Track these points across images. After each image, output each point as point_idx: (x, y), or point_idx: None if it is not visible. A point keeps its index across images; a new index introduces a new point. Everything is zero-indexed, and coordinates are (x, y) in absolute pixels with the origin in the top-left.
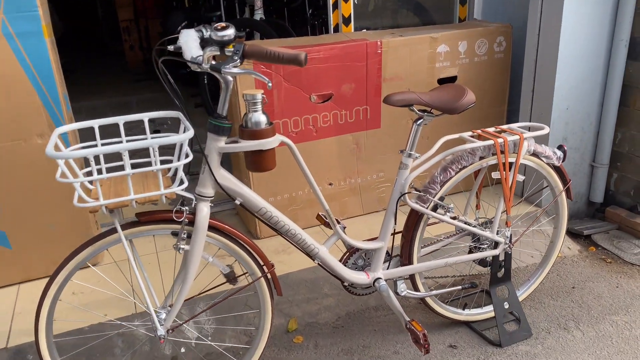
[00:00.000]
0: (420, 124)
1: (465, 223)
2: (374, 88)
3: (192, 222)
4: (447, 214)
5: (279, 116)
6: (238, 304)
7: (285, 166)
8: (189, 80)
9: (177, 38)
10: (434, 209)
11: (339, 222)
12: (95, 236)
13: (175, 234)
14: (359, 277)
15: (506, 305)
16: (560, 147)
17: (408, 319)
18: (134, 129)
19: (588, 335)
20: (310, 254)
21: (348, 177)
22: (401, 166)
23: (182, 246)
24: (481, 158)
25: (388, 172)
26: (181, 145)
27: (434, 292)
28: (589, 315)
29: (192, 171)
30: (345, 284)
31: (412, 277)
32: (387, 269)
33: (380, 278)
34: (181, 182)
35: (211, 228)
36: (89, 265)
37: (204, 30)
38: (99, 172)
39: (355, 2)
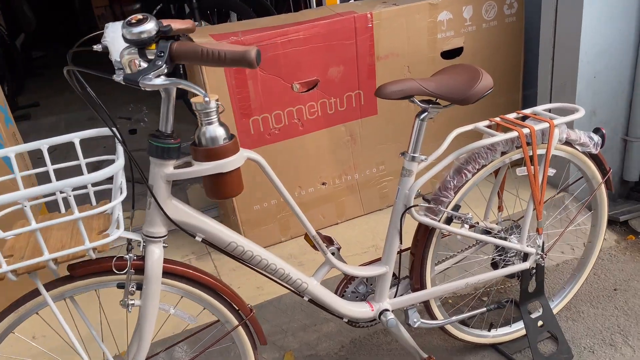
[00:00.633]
0: (425, 118)
1: (487, 232)
2: (367, 69)
3: (142, 270)
4: (465, 225)
5: (257, 112)
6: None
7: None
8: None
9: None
10: (448, 220)
11: (332, 242)
12: (18, 299)
13: (121, 286)
14: (361, 311)
15: (540, 323)
16: (597, 131)
17: (425, 355)
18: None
19: None
20: (297, 291)
21: (344, 174)
22: (403, 172)
23: (130, 302)
24: (503, 153)
25: (390, 164)
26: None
27: (454, 318)
28: (638, 325)
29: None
30: (345, 320)
31: (426, 303)
32: (395, 296)
33: (387, 310)
34: (123, 226)
35: (168, 274)
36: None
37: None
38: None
39: None
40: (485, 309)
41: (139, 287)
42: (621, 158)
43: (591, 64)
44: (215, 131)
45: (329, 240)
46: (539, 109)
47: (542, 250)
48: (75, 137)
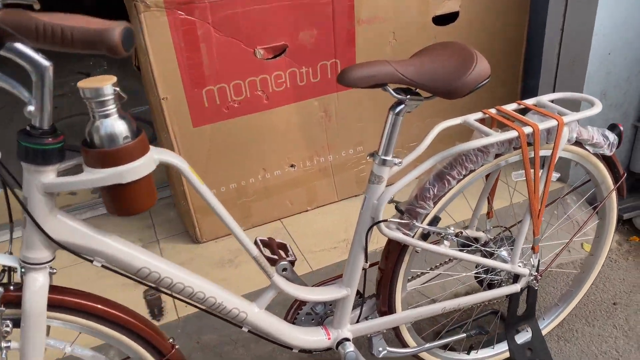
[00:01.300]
0: (401, 112)
1: (471, 241)
2: (345, 34)
3: (17, 303)
4: (445, 241)
5: (212, 81)
6: None
7: (228, 147)
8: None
9: None
10: (425, 235)
11: (286, 252)
12: None
13: None
14: (314, 340)
15: (528, 354)
16: (613, 128)
17: None
18: None
19: None
20: (234, 322)
21: (316, 155)
22: (372, 178)
23: (5, 344)
24: (497, 155)
25: (369, 144)
26: None
27: (428, 346)
28: None
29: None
30: (296, 350)
31: (395, 328)
32: (358, 319)
33: (346, 340)
34: None
35: (55, 307)
36: None
37: None
38: None
39: None
40: (464, 334)
41: (18, 324)
42: (629, 147)
43: (607, 37)
44: (113, 127)
45: (282, 248)
46: (544, 98)
47: (537, 271)
48: None
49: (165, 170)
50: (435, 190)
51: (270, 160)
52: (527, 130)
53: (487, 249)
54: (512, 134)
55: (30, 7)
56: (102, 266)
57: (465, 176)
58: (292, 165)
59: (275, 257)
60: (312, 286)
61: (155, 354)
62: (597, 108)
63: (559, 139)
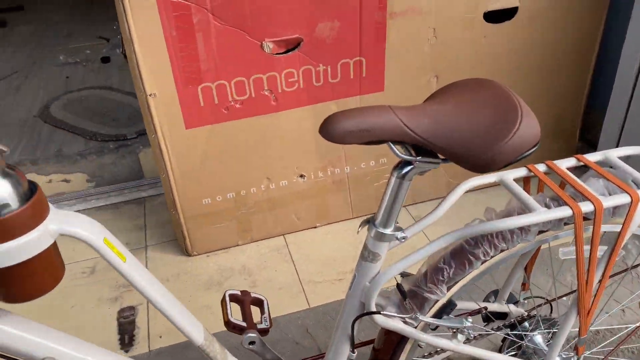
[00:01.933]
0: (408, 175)
1: (498, 316)
2: (374, 28)
3: None
4: (460, 335)
5: (209, 77)
6: None
7: (227, 152)
8: None
9: None
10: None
11: (252, 323)
12: None
13: None
14: None
15: None
16: None
17: None
18: None
19: None
20: None
21: (330, 166)
22: (365, 253)
23: None
24: (541, 232)
25: (392, 156)
26: None
27: None
28: None
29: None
30: None
31: None
32: None
33: None
34: None
35: None
36: None
37: None
38: None
39: None
40: None
41: None
42: None
43: None
44: (4, 186)
45: (258, 305)
46: (613, 154)
47: None
48: None
49: (155, 164)
50: (452, 273)
51: (276, 169)
52: (587, 208)
53: (516, 333)
54: (565, 212)
55: None
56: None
57: (493, 256)
58: (301, 176)
59: (244, 324)
60: None
61: None
62: None
63: (631, 219)
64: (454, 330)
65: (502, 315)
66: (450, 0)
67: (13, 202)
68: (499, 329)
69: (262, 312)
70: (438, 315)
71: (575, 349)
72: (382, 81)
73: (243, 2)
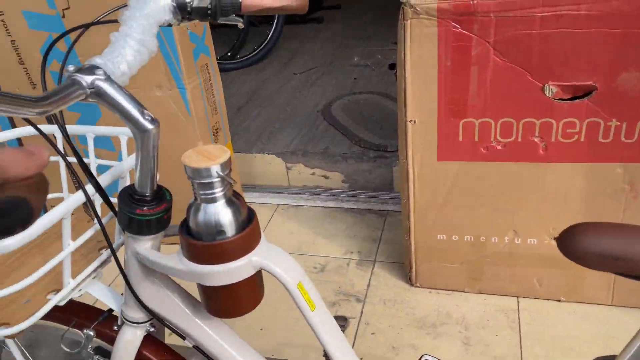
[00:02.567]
0: None
1: None
2: None
3: (104, 354)
4: None
5: (475, 113)
6: None
7: (475, 193)
8: None
9: None
10: None
11: None
12: None
13: None
14: None
15: None
16: None
17: None
18: None
19: None
20: None
21: None
22: None
23: None
24: None
25: None
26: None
27: None
28: None
29: None
30: None
31: None
32: None
33: None
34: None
35: None
36: None
37: None
38: None
39: None
40: None
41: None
42: None
43: None
44: (208, 215)
45: None
46: None
47: None
48: (89, 131)
49: (398, 177)
50: None
51: (527, 223)
52: None
53: None
54: None
55: (235, 26)
56: (194, 347)
57: None
58: (555, 238)
59: None
60: None
61: None
62: None
63: None
64: None
65: None
66: None
67: (229, 230)
68: None
69: None
70: None
71: None
72: None
73: (532, 39)
